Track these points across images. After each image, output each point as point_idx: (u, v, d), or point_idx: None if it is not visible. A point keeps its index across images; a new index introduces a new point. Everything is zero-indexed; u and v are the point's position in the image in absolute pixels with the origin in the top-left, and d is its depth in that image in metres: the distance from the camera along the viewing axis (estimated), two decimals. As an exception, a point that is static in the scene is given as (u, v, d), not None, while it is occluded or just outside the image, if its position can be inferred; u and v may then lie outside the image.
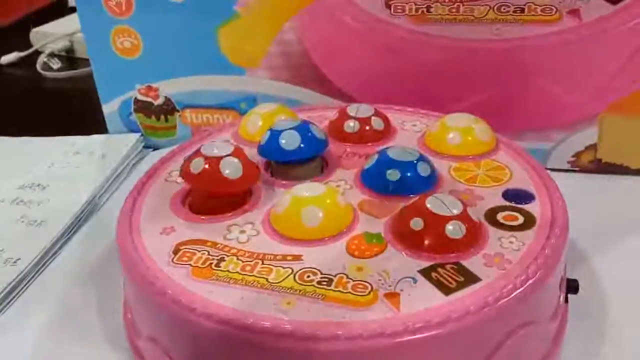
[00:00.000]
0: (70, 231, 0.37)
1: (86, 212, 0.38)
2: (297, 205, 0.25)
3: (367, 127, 0.32)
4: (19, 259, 0.34)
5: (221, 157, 0.27)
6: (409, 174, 0.27)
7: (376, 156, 0.29)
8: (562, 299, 0.26)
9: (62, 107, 0.55)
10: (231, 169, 0.26)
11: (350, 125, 0.32)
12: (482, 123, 0.31)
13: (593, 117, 0.38)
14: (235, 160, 0.27)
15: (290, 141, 0.28)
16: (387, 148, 0.29)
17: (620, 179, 0.39)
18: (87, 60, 0.59)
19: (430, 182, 0.28)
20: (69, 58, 0.64)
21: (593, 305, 0.29)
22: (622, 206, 0.37)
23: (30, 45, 0.65)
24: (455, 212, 0.24)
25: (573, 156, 0.39)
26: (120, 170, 0.42)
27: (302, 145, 0.28)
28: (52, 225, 0.37)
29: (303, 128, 0.29)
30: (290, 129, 0.29)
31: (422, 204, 0.24)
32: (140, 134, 0.45)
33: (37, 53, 0.64)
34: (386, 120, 0.33)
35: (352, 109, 0.33)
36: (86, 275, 0.33)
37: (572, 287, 0.27)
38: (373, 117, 0.32)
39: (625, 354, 0.27)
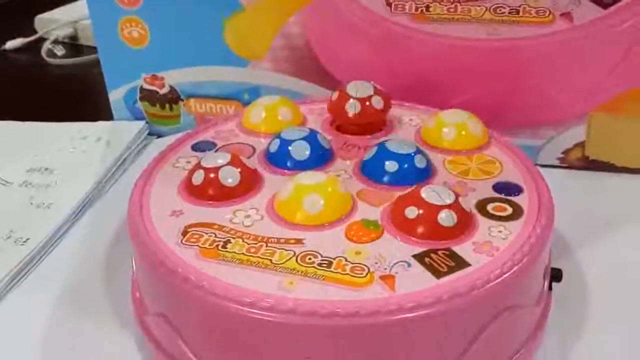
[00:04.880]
0: (78, 214, 0.38)
1: (93, 196, 0.40)
2: (299, 192, 0.27)
3: (367, 103, 0.33)
4: (28, 239, 0.35)
5: (219, 167, 0.28)
6: (406, 166, 0.29)
7: (375, 148, 0.30)
8: (546, 286, 0.28)
9: (67, 93, 0.57)
10: (231, 177, 0.28)
11: (352, 104, 0.33)
12: (475, 119, 0.33)
13: (582, 116, 0.39)
14: (234, 168, 0.28)
15: (299, 151, 0.30)
16: (385, 141, 0.30)
17: (606, 176, 0.40)
18: (91, 47, 0.60)
19: (426, 174, 0.29)
20: (73, 45, 0.65)
21: (575, 294, 0.31)
22: (608, 202, 0.38)
23: (35, 31, 0.66)
24: (448, 201, 0.26)
25: (562, 153, 0.41)
26: (125, 156, 0.44)
27: (311, 156, 0.30)
28: (60, 208, 0.38)
29: (312, 138, 0.30)
30: (300, 139, 0.30)
31: (417, 194, 0.26)
32: (145, 121, 0.47)
33: (42, 39, 0.65)
34: (386, 99, 0.34)
35: (351, 88, 0.34)
36: (94, 255, 0.35)
37: (556, 275, 0.29)
38: (373, 96, 0.33)
39: (604, 341, 0.28)
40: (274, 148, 0.31)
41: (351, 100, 0.33)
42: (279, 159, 0.30)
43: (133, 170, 0.43)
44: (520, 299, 0.25)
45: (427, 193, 0.26)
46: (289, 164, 0.30)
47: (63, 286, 0.33)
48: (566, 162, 0.41)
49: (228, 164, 0.29)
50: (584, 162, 0.41)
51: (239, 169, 0.29)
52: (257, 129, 0.34)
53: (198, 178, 0.29)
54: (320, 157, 0.31)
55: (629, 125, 0.39)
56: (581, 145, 0.40)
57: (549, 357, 0.27)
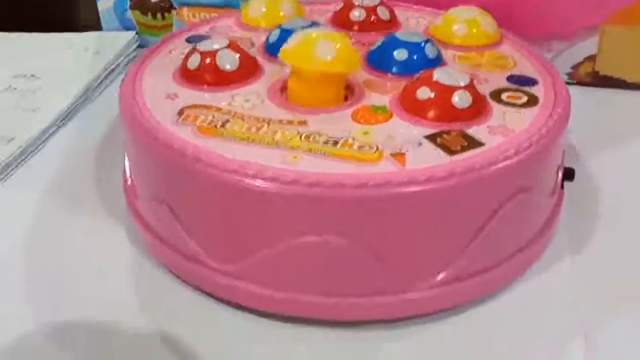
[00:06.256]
0: (65, 117, 0.36)
1: (80, 102, 0.38)
2: (309, 40, 0.25)
3: (373, 17, 0.32)
4: (13, 138, 0.33)
5: (217, 51, 0.26)
6: (415, 56, 0.27)
7: (383, 39, 0.28)
8: (559, 181, 0.26)
9: (52, 2, 0.54)
10: (229, 62, 0.26)
11: (356, 14, 0.32)
12: (487, 16, 0.31)
13: (594, 27, 0.38)
14: (232, 52, 0.27)
15: None
16: (394, 32, 0.28)
17: (616, 93, 0.39)
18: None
19: (436, 64, 0.28)
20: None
21: (586, 199, 0.30)
22: (617, 119, 0.37)
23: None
24: (462, 84, 0.24)
25: (571, 68, 0.39)
26: (114, 66, 0.41)
27: None
28: (47, 112, 0.36)
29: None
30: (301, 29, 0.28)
31: (429, 76, 0.25)
32: (135, 32, 0.44)
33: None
34: (391, 10, 0.33)
35: None
36: (83, 153, 0.33)
37: (568, 174, 0.28)
38: (379, 7, 0.32)
39: (613, 242, 0.28)
40: (273, 38, 0.29)
41: (356, 9, 0.32)
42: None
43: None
44: (534, 182, 0.24)
45: (441, 75, 0.24)
46: None
47: (51, 182, 0.31)
48: (575, 78, 0.40)
49: (226, 47, 0.27)
50: (594, 77, 0.39)
51: (237, 54, 0.27)
52: (256, 23, 0.32)
53: (194, 62, 0.27)
54: None
55: (643, 38, 0.38)
56: (591, 59, 0.39)
57: (559, 254, 0.26)
